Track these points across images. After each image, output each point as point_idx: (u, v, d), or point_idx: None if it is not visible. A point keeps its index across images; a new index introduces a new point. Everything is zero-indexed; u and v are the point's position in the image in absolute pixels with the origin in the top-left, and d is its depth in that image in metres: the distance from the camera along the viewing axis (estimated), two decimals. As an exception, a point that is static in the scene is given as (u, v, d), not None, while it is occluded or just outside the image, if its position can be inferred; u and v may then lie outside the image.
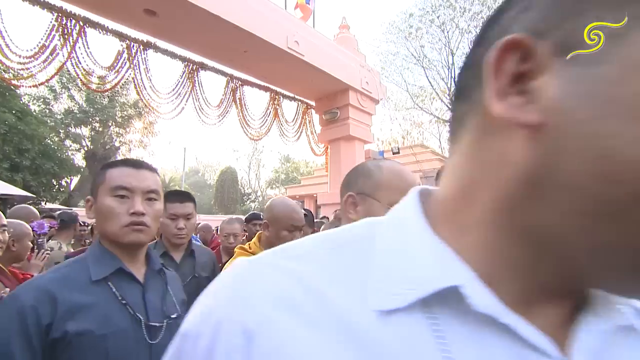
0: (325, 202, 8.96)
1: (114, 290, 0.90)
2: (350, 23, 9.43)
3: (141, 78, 6.25)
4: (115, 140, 20.52)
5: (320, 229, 2.99)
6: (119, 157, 22.07)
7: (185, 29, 5.90)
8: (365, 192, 0.90)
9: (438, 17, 21.94)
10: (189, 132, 58.92)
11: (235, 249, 1.65)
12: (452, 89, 22.54)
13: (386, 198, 0.86)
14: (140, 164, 1.03)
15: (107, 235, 0.95)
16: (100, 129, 19.63)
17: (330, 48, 7.78)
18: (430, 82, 22.97)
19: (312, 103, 8.84)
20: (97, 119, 19.18)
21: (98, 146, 19.64)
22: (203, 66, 7.07)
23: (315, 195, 12.94)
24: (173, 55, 6.62)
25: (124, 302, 0.90)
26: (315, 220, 4.33)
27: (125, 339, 0.87)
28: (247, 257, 1.56)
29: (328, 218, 4.41)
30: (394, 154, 14.83)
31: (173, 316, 0.98)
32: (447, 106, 23.04)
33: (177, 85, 6.92)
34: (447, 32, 22.03)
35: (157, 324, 0.94)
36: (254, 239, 1.65)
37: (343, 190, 0.96)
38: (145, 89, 6.38)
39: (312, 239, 0.32)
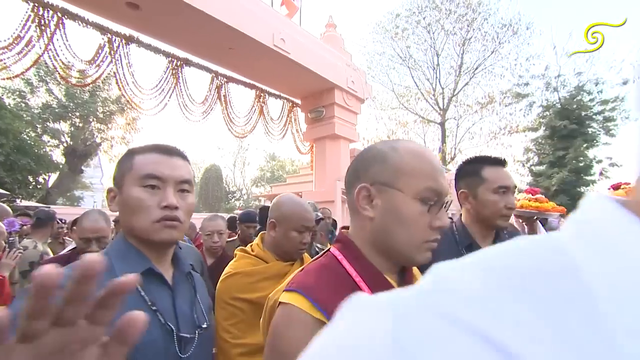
0: (311, 199, 8.95)
1: (142, 294, 0.77)
2: (337, 22, 9.45)
3: (123, 73, 6.12)
4: (97, 136, 20.01)
5: None
6: (100, 154, 21.49)
7: (169, 24, 5.79)
8: (382, 181, 0.72)
9: (424, 19, 22.20)
10: (172, 129, 58.01)
11: (236, 252, 1.52)
12: (437, 89, 22.87)
13: (411, 187, 0.70)
14: (173, 151, 0.88)
15: (134, 231, 0.82)
16: (81, 125, 19.09)
17: (316, 46, 7.78)
18: (415, 83, 23.24)
19: (298, 101, 8.82)
20: (77, 114, 18.64)
21: (78, 142, 19.10)
22: (187, 62, 6.97)
23: (300, 193, 12.93)
24: (156, 50, 6.50)
25: (154, 308, 0.78)
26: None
27: (155, 351, 0.75)
28: (250, 260, 1.46)
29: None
30: (379, 153, 14.91)
31: (204, 326, 0.88)
32: (431, 106, 23.36)
33: (160, 81, 6.80)
34: (433, 34, 22.32)
35: (189, 336, 0.83)
36: (257, 240, 1.51)
37: (351, 181, 0.78)
38: (127, 84, 6.25)
39: (471, 269, 0.23)
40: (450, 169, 17.20)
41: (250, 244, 1.54)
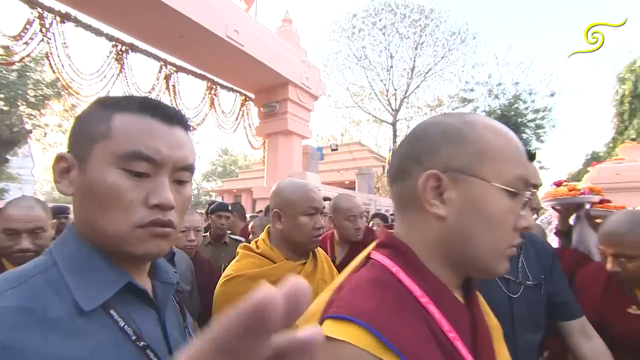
0: (261, 196, 8.88)
1: (122, 324, 0.50)
2: (293, 17, 9.43)
3: (58, 54, 5.65)
4: (27, 122, 18.19)
5: (253, 223, 2.98)
6: (31, 143, 19.56)
7: (113, 5, 5.44)
8: (459, 167, 0.54)
9: (380, 21, 22.78)
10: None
11: (239, 250, 1.30)
12: (390, 90, 23.64)
13: (499, 175, 0.54)
14: (173, 115, 0.56)
15: (101, 234, 0.52)
16: (7, 108, 17.24)
17: (271, 41, 7.71)
18: (369, 83, 23.79)
19: (251, 95, 8.70)
20: (2, 96, 16.79)
21: (3, 128, 17.23)
22: (133, 48, 6.59)
23: (252, 189, 12.76)
24: (98, 32, 6.07)
25: (142, 344, 0.52)
26: (251, 215, 4.30)
27: None
28: (254, 260, 1.21)
29: (263, 211, 4.40)
30: (332, 150, 15.18)
31: None
32: (384, 107, 24.11)
33: (103, 66, 6.37)
34: (388, 36, 22.99)
35: None
36: (263, 235, 1.30)
37: (405, 168, 0.58)
38: (63, 67, 5.77)
39: None
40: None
41: (255, 239, 1.33)
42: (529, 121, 20.84)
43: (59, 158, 0.54)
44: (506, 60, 22.00)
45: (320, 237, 1.26)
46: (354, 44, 23.17)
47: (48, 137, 18.33)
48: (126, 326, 0.51)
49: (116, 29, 6.24)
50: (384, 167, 15.14)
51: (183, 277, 1.47)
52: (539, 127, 20.75)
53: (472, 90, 22.48)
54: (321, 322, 0.51)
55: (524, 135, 20.38)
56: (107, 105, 0.54)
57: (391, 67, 23.42)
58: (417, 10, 22.46)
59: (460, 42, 22.88)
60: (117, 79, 6.49)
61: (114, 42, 6.34)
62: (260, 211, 4.63)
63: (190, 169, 0.57)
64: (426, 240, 0.56)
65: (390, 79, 23.66)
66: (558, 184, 2.32)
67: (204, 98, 7.92)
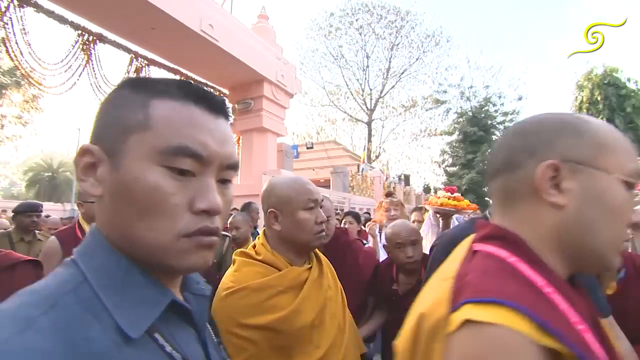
0: (236, 193, 8.78)
1: (168, 349, 0.44)
2: (270, 14, 9.35)
3: (16, 40, 5.32)
4: (-17, 112, 17.05)
5: (233, 219, 2.94)
6: (-11, 134, 18.40)
7: (78, -7, 5.20)
8: (578, 158, 0.55)
9: (357, 20, 22.98)
10: (85, 111, 52.03)
11: (235, 257, 1.17)
12: (366, 90, 23.87)
13: (618, 167, 0.54)
14: (218, 104, 0.49)
15: (138, 244, 0.44)
16: (-39, 98, 16.13)
17: (246, 36, 7.61)
18: (346, 82, 23.98)
19: (225, 91, 8.55)
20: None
21: (-44, 118, 16.12)
22: (102, 38, 6.32)
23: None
24: (62, 19, 5.76)
25: None
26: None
27: None
28: (257, 268, 1.08)
29: (237, 209, 4.35)
30: (307, 148, 15.19)
31: None
32: (360, 106, 24.34)
33: (68, 56, 6.06)
34: (364, 36, 23.23)
35: None
36: (260, 240, 1.17)
37: (516, 159, 0.59)
38: (22, 54, 5.45)
39: None
40: (374, 167, 18.16)
41: (252, 243, 1.21)
42: (498, 123, 21.67)
43: (84, 151, 0.45)
44: (478, 64, 22.74)
45: None
46: (331, 42, 23.27)
47: (6, 130, 17.25)
48: (174, 351, 0.44)
49: (83, 17, 5.96)
50: (358, 165, 15.29)
51: None
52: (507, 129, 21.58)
53: (445, 92, 23.12)
54: (455, 308, 0.50)
55: (494, 137, 21.15)
56: (142, 88, 0.45)
57: (367, 66, 23.67)
58: (394, 12, 22.82)
59: (434, 45, 23.45)
60: (84, 70, 6.20)
61: (80, 32, 6.05)
62: (235, 209, 4.57)
63: (236, 167, 0.51)
64: (539, 232, 0.56)
65: (366, 79, 23.91)
66: None
67: (176, 93, 7.72)
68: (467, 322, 0.46)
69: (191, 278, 0.54)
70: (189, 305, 0.50)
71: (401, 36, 23.36)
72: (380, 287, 1.86)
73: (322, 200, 1.18)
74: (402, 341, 0.61)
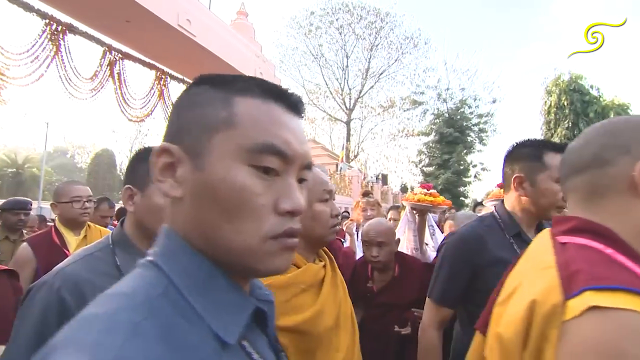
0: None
1: (255, 356, 0.43)
2: (249, 11, 9.25)
3: (-22, 30, 5.03)
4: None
5: None
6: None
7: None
8: None
9: (337, 20, 23.06)
10: (53, 105, 49.74)
11: None
12: (345, 89, 24.02)
13: None
14: (297, 102, 0.48)
15: (223, 247, 0.41)
16: None
17: (225, 33, 7.50)
18: (325, 81, 24.05)
19: (204, 88, 8.41)
20: None
21: None
22: (72, 29, 6.06)
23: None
24: (27, 7, 5.47)
25: None
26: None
27: None
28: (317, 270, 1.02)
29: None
30: (287, 147, 15.09)
31: None
32: (339, 105, 24.47)
33: (34, 46, 5.78)
34: (344, 36, 23.35)
35: None
36: None
37: (609, 156, 0.61)
38: (-16, 44, 5.17)
39: None
40: (352, 166, 18.31)
41: None
42: (474, 125, 22.28)
43: (162, 151, 0.42)
44: (454, 67, 23.29)
45: None
46: (311, 41, 23.27)
47: (-32, 123, 16.33)
48: (260, 359, 0.44)
49: (50, 5, 5.70)
50: (337, 164, 15.37)
51: None
52: (482, 130, 22.26)
53: (422, 93, 23.56)
54: (572, 295, 0.51)
55: (469, 138, 21.76)
56: (223, 86, 0.44)
57: (347, 66, 23.82)
58: (374, 13, 23.06)
59: (413, 47, 23.87)
60: (52, 61, 5.94)
61: (47, 20, 5.78)
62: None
63: (311, 167, 0.50)
64: (631, 225, 0.58)
65: (345, 79, 24.07)
66: (502, 187, 2.56)
67: (152, 88, 7.51)
68: (593, 309, 0.48)
69: (254, 283, 0.52)
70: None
71: (380, 37, 23.64)
72: (356, 286, 1.90)
73: (333, 191, 1.10)
74: (509, 328, 0.60)
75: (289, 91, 0.47)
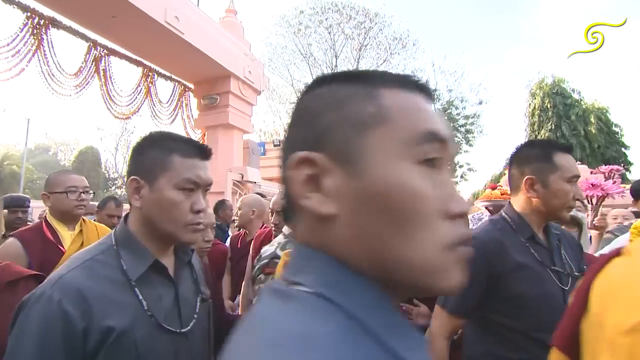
0: (201, 190, 8.61)
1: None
2: (238, 8, 9.20)
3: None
4: None
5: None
6: None
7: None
8: None
9: (326, 19, 23.09)
10: (35, 101, 48.46)
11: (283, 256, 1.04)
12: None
13: None
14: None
15: (400, 266, 0.35)
16: None
17: (213, 30, 7.46)
18: (315, 81, 24.06)
19: (191, 85, 8.34)
20: None
21: None
22: (55, 23, 5.95)
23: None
24: None
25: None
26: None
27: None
28: None
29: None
30: (275, 146, 15.10)
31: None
32: (329, 105, 24.52)
33: (15, 40, 5.66)
34: (334, 35, 23.40)
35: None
36: None
37: None
38: (-38, 37, 5.04)
39: None
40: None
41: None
42: (460, 126, 22.61)
43: (302, 161, 0.36)
44: (442, 68, 23.63)
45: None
46: (300, 40, 23.23)
47: (-55, 118, 15.82)
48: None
49: (32, -1, 5.59)
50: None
51: (202, 281, 1.23)
52: (468, 132, 22.61)
53: (410, 94, 23.72)
54: None
55: (456, 139, 22.02)
56: (359, 80, 0.39)
57: (336, 66, 23.86)
58: (363, 13, 23.15)
59: (401, 48, 24.03)
60: (33, 56, 5.82)
61: (29, 14, 5.66)
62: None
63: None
64: None
65: (335, 78, 24.09)
66: (493, 188, 2.65)
67: (138, 85, 7.42)
68: None
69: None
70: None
71: (369, 37, 23.75)
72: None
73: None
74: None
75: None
